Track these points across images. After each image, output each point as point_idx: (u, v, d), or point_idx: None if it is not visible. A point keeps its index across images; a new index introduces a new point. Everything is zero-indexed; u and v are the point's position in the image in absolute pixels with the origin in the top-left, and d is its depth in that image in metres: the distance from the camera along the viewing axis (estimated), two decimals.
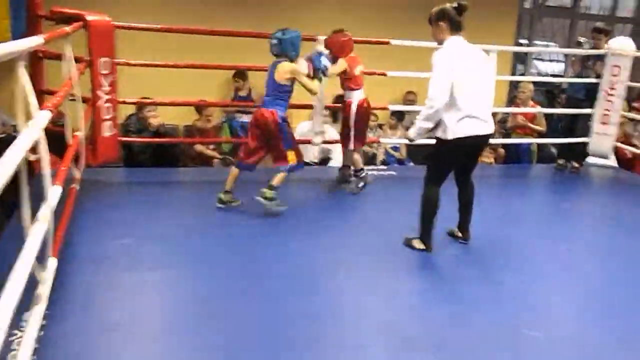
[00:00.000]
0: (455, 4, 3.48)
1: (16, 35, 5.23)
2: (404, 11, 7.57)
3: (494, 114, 6.29)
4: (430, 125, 3.45)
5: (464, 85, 3.36)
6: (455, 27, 3.47)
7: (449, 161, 3.56)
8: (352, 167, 4.91)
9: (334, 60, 4.55)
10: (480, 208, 3.89)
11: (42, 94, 4.33)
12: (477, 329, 2.81)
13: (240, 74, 6.72)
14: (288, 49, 4.11)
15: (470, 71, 3.42)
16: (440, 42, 3.50)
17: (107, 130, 4.50)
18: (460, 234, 3.82)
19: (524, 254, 3.81)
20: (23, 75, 1.97)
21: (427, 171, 3.63)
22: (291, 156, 4.11)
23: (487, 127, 3.48)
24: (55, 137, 4.26)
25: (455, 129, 3.37)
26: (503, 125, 6.75)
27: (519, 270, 3.53)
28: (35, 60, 4.52)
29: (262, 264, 3.38)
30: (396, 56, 5.91)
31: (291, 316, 2.81)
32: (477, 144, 3.54)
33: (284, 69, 4.06)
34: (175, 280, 3.18)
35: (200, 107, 6.32)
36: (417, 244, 3.65)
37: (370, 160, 6.64)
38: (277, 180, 4.09)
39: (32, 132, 1.95)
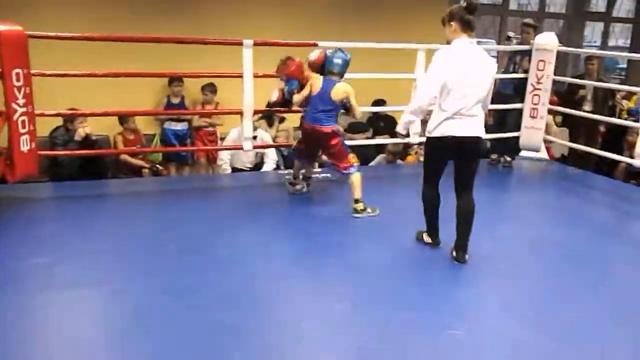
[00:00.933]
0: (464, 3, 3.46)
1: None
2: (326, 14, 7.59)
3: None
4: (414, 118, 3.67)
5: (453, 87, 3.37)
6: (467, 27, 3.46)
7: (434, 159, 3.63)
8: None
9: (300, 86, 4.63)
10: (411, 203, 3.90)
11: None
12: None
13: (178, 79, 6.58)
14: (345, 70, 4.48)
15: (462, 74, 3.39)
16: (449, 42, 3.53)
17: (24, 144, 4.30)
18: (454, 253, 3.59)
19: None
20: None
21: (423, 169, 3.74)
22: (353, 158, 4.42)
23: (471, 129, 3.43)
24: None
25: (438, 127, 3.45)
26: None
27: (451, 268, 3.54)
28: None
29: (189, 276, 3.28)
30: None
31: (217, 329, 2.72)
32: (460, 145, 3.44)
33: (343, 90, 4.39)
34: (98, 298, 3.03)
35: (122, 118, 6.17)
36: (426, 237, 3.80)
37: None
38: (356, 191, 4.34)
39: None
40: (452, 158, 3.56)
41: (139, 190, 5.20)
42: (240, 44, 4.89)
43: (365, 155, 6.71)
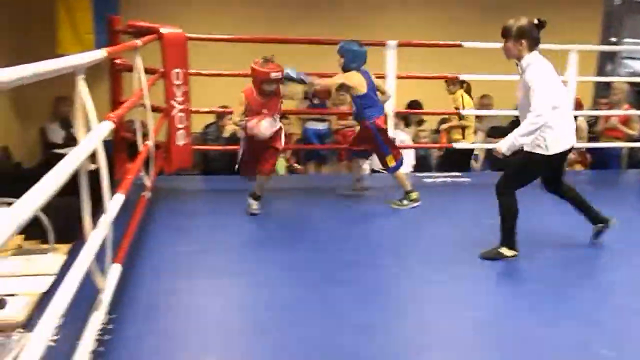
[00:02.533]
0: (535, 20, 3.41)
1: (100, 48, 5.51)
2: (466, 13, 7.37)
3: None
4: (529, 140, 3.36)
5: (558, 100, 3.37)
6: (535, 44, 3.41)
7: (537, 174, 3.60)
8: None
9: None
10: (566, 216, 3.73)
11: (119, 105, 4.50)
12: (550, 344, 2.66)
13: None
14: None
15: (559, 85, 3.46)
16: (517, 58, 3.43)
17: (180, 138, 4.63)
18: (601, 224, 3.74)
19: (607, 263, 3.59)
20: (82, 88, 2.04)
21: (507, 180, 3.55)
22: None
23: (574, 137, 3.53)
24: (131, 145, 4.47)
25: (554, 144, 3.38)
26: (591, 129, 6.42)
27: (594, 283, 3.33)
28: (113, 72, 4.72)
29: (324, 271, 3.36)
30: (468, 59, 5.75)
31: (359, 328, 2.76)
32: (566, 154, 3.55)
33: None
34: (239, 288, 3.20)
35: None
36: (506, 251, 3.55)
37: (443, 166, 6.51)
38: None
39: (90, 142, 2.01)
40: (556, 169, 3.63)
41: (281, 187, 5.40)
42: (384, 44, 4.91)
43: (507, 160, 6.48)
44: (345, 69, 4.30)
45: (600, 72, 8.74)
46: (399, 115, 5.93)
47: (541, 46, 5.46)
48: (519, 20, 3.40)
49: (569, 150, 3.52)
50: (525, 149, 3.41)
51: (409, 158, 6.15)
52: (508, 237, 3.54)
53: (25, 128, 6.79)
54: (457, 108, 5.83)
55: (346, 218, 4.30)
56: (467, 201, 4.82)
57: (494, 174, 6.01)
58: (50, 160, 5.35)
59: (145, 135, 4.07)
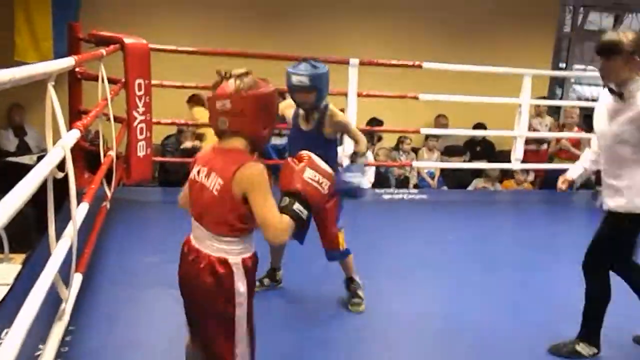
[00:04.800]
0: None
1: (58, 57, 5.41)
2: (435, 35, 7.57)
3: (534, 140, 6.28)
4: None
5: None
6: None
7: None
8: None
9: None
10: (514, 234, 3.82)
11: (79, 114, 4.44)
12: None
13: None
14: None
15: None
16: (621, 84, 2.51)
17: (141, 150, 4.58)
18: None
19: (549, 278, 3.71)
20: (51, 96, 2.03)
21: (602, 255, 2.74)
22: None
23: None
24: (93, 156, 4.40)
25: None
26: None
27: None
28: (73, 81, 4.65)
29: (291, 286, 3.37)
30: (428, 80, 5.89)
31: None
32: None
33: None
34: None
35: None
36: (584, 349, 2.78)
37: (402, 183, 6.62)
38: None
39: (58, 151, 1.99)
40: None
41: None
42: (347, 62, 5.00)
43: (460, 179, 6.66)
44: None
45: (551, 96, 9.07)
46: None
47: (496, 69, 5.69)
48: (627, 34, 2.47)
49: None
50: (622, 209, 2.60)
51: (369, 175, 6.24)
52: (593, 329, 2.77)
53: None
54: None
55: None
56: (428, 218, 4.91)
57: (450, 191, 6.19)
58: (2, 168, 5.22)
59: (105, 146, 4.01)
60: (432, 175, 6.65)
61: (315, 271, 3.53)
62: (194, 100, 6.14)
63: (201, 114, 5.85)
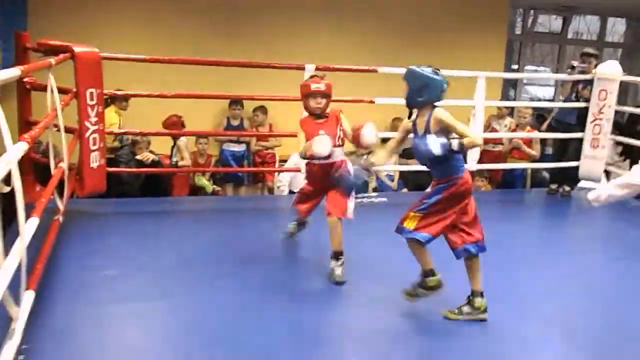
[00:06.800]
0: None
1: (5, 67, 5.25)
2: (389, 39, 7.66)
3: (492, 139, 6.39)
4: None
5: None
6: None
7: None
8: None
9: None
10: None
11: (28, 125, 4.31)
12: None
13: (237, 102, 6.73)
14: None
15: None
16: None
17: (94, 160, 4.48)
18: None
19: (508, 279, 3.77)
20: None
21: None
22: None
23: None
24: (43, 168, 4.28)
25: None
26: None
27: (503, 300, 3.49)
28: (22, 91, 4.52)
29: (247, 298, 3.34)
30: (382, 83, 5.93)
31: None
32: None
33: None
34: (160, 312, 3.12)
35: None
36: None
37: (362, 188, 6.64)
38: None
39: (3, 164, 1.92)
40: None
41: (199, 208, 5.35)
42: (303, 68, 4.99)
43: (419, 181, 6.71)
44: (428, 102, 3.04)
45: (504, 97, 9.27)
46: None
47: (451, 72, 5.76)
48: None
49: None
50: None
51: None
52: None
53: None
54: None
55: (272, 240, 4.28)
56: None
57: (410, 193, 6.24)
58: None
59: (56, 157, 3.91)
60: (391, 178, 6.69)
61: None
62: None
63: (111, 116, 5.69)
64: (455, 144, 2.88)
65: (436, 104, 3.02)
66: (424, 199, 3.05)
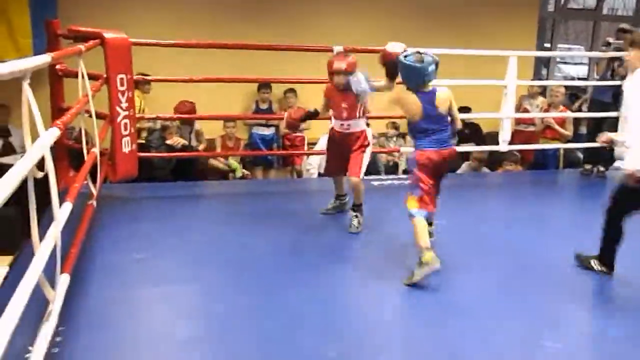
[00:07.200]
0: None
1: (38, 54, 5.34)
2: (419, 21, 7.55)
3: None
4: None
5: None
6: None
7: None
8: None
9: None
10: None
11: (60, 111, 4.37)
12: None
13: (266, 85, 6.74)
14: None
15: None
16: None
17: (126, 146, 4.53)
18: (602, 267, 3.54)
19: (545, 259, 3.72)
20: (28, 94, 1.98)
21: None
22: None
23: None
24: (76, 154, 4.35)
25: None
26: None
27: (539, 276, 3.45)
28: (54, 78, 4.58)
29: (276, 280, 3.35)
30: None
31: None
32: None
33: (447, 96, 3.48)
34: (192, 295, 3.16)
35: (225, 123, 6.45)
36: (598, 266, 3.50)
37: (391, 169, 6.61)
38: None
39: (35, 150, 1.95)
40: None
41: (229, 192, 5.38)
42: (331, 50, 4.95)
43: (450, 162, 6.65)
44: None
45: (536, 76, 9.08)
46: None
47: (482, 52, 5.67)
48: None
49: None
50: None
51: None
52: (607, 256, 3.46)
53: None
54: None
55: (304, 222, 4.30)
56: None
57: None
58: None
59: (89, 143, 3.96)
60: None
61: None
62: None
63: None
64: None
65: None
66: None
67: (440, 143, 3.41)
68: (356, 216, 4.12)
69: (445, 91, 3.47)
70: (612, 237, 3.44)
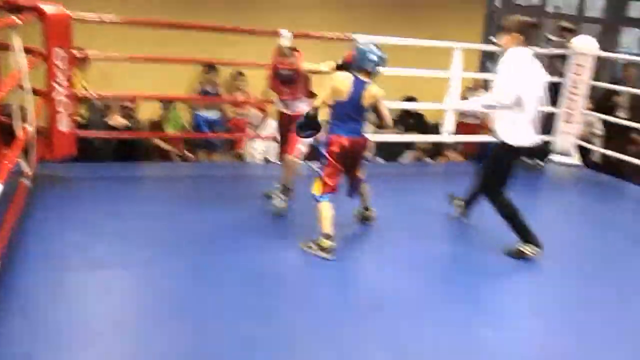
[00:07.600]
0: (532, 20, 3.77)
1: None
2: (365, 8, 7.57)
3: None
4: (484, 106, 3.81)
5: (530, 95, 3.54)
6: (528, 41, 3.63)
7: (508, 167, 3.70)
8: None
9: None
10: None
11: None
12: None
13: (213, 68, 6.62)
14: (378, 71, 3.70)
15: (535, 84, 3.59)
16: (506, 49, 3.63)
17: (64, 124, 4.38)
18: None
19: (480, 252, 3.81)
20: None
21: (486, 181, 3.78)
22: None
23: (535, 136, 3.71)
24: (8, 131, 4.17)
25: (521, 135, 3.61)
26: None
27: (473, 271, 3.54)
28: None
29: (220, 263, 3.32)
30: None
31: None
32: (526, 150, 3.75)
33: (374, 93, 3.62)
34: (127, 279, 3.10)
35: (165, 104, 6.28)
36: (527, 248, 3.64)
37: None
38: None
39: None
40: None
41: (170, 175, 5.29)
42: (277, 34, 4.89)
43: (393, 151, 6.73)
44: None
45: (482, 69, 9.24)
46: None
47: (426, 42, 5.73)
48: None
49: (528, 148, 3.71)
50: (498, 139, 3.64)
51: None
52: (524, 233, 3.63)
53: None
54: None
55: (246, 206, 4.28)
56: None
57: (385, 164, 6.25)
58: None
59: (24, 120, 3.81)
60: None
61: None
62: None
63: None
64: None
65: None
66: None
67: (354, 132, 3.64)
68: (279, 196, 4.20)
69: (376, 89, 3.63)
70: (508, 214, 3.65)
